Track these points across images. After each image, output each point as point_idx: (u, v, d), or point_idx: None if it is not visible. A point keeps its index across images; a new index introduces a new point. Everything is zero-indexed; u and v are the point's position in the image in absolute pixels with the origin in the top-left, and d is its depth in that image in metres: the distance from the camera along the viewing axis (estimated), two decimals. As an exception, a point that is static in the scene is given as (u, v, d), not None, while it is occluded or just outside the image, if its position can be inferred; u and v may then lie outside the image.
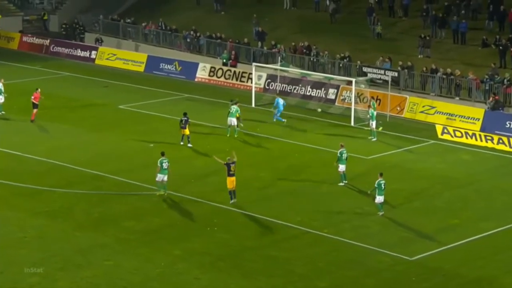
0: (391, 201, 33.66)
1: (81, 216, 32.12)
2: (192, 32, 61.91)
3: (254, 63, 53.40)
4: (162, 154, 34.52)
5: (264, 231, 31.13)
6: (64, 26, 69.05)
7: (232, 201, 33.50)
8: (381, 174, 32.66)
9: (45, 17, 72.16)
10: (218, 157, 34.27)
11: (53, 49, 65.74)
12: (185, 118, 41.47)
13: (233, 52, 58.14)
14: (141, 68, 60.64)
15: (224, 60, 58.07)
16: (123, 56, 62.10)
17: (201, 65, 58.28)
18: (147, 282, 26.62)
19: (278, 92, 51.04)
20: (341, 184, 36.12)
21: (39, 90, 46.38)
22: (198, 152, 40.68)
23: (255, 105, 50.15)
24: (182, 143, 41.42)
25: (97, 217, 32.01)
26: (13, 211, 32.28)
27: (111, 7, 71.27)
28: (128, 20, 66.60)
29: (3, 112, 46.67)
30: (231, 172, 33.34)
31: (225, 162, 33.63)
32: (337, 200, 34.58)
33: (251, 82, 52.87)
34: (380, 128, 44.62)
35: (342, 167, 35.96)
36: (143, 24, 65.05)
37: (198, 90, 53.48)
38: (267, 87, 53.86)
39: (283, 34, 60.79)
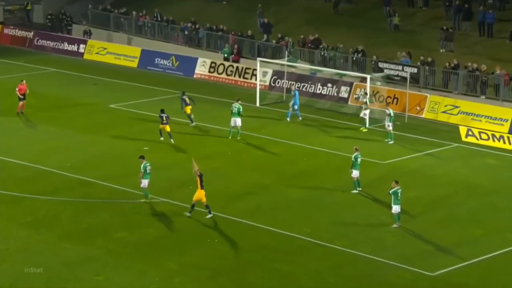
0: (409, 210, 33.69)
1: (68, 226, 32.17)
2: (190, 24, 62.02)
3: (258, 58, 53.31)
4: (142, 157, 34.66)
5: (268, 243, 31.06)
6: (49, 17, 69.12)
7: (209, 215, 33.27)
8: (396, 182, 32.66)
9: (29, 7, 72.40)
10: (196, 163, 33.86)
11: (37, 42, 65.98)
12: (165, 115, 42.18)
13: (235, 46, 58.27)
14: (134, 64, 60.81)
15: (226, 55, 58.20)
16: (115, 50, 62.30)
17: (200, 60, 58.40)
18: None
19: (286, 89, 51.27)
20: (354, 191, 36.16)
21: (24, 81, 47.08)
22: (195, 156, 40.70)
23: (260, 104, 50.27)
24: (162, 138, 42.08)
25: (86, 228, 32.04)
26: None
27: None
28: (121, 11, 66.85)
29: None
30: (203, 184, 32.90)
31: (199, 172, 33.07)
32: (350, 209, 34.57)
33: (256, 79, 52.90)
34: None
35: (355, 173, 35.99)
36: (136, 14, 65.21)
37: (197, 88, 53.41)
38: (273, 85, 53.99)
39: (290, 26, 60.92)
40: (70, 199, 34.69)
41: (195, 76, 57.85)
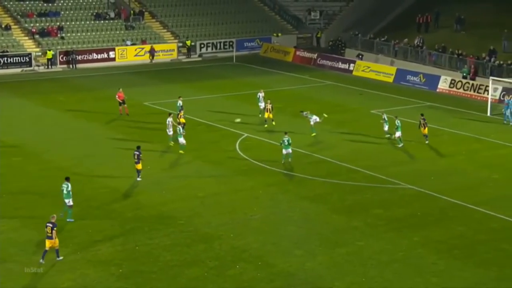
0: None
1: (337, 202, 31.83)
2: (438, 48, 59.81)
3: (491, 77, 50.56)
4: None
5: (496, 227, 28.99)
6: (330, 42, 69.49)
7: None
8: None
9: (319, 35, 73.26)
10: None
11: (319, 61, 66.37)
12: (137, 153, 33.25)
13: (472, 67, 55.53)
14: (390, 79, 59.60)
15: (464, 74, 55.65)
16: (376, 69, 61.32)
17: (442, 77, 56.22)
18: (392, 262, 25.88)
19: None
20: None
21: (121, 89, 45.62)
22: (440, 153, 39.16)
23: (490, 114, 47.59)
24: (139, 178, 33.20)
25: (350, 204, 31.59)
26: (285, 195, 32.54)
27: (368, 27, 70.87)
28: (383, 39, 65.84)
29: None
30: None
31: None
32: None
33: (488, 94, 50.21)
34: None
35: None
36: (393, 42, 63.87)
37: (439, 100, 51.35)
38: (502, 99, 50.81)
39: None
40: (340, 182, 34.42)
41: (437, 90, 55.78)
